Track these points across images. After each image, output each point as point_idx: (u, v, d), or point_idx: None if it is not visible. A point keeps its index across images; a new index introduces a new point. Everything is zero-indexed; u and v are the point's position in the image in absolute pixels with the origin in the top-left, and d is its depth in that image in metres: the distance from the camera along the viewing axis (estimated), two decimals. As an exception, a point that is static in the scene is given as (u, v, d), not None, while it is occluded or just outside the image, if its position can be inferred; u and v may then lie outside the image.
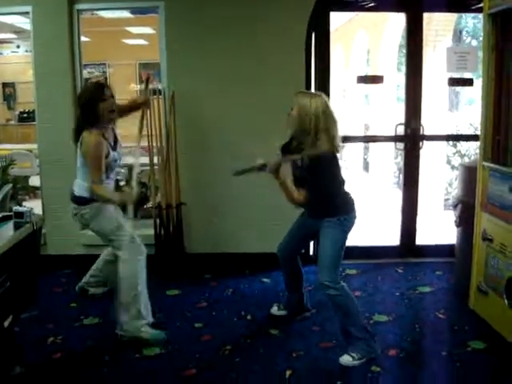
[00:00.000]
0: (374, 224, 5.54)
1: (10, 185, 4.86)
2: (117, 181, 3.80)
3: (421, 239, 4.76)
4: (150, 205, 4.64)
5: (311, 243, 4.22)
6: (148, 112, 4.05)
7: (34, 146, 5.33)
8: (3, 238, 2.53)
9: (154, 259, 4.24)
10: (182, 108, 4.35)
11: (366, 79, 5.24)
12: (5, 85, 9.93)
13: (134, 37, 8.54)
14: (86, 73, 6.60)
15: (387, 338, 3.25)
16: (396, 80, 8.22)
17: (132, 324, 3.25)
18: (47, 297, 3.87)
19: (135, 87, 8.67)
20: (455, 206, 3.90)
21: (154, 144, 4.31)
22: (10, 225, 2.70)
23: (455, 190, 5.02)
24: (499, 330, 3.14)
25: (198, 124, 4.47)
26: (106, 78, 8.87)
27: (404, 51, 4.74)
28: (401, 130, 4.56)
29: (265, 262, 4.33)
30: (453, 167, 7.03)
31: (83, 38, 4.63)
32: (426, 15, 4.62)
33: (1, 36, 8.80)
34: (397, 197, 5.36)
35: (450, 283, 4.12)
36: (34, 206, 3.33)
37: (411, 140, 4.56)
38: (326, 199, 3.05)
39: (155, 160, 4.37)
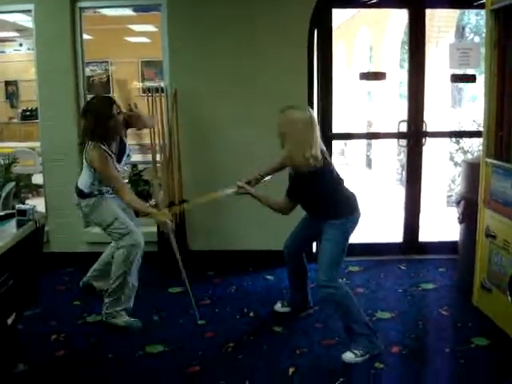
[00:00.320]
0: (376, 221, 5.52)
1: (13, 183, 4.82)
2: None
3: (424, 236, 4.75)
4: (152, 202, 4.63)
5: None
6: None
7: (37, 144, 5.35)
8: (6, 235, 2.54)
9: (156, 256, 4.27)
10: (185, 106, 4.35)
11: (368, 76, 5.21)
12: (7, 83, 9.90)
13: (137, 35, 8.51)
14: (88, 71, 6.62)
15: (390, 335, 3.25)
16: (399, 77, 8.19)
17: (111, 307, 3.38)
18: (50, 294, 3.88)
19: (137, 85, 8.65)
20: (458, 203, 3.90)
21: (157, 141, 4.31)
22: (13, 223, 2.71)
23: (458, 187, 5.01)
24: (503, 326, 3.13)
25: (200, 121, 4.46)
26: (108, 76, 8.88)
27: (406, 48, 4.73)
28: (403, 127, 4.54)
29: (268, 259, 4.35)
30: (456, 164, 7.00)
31: (85, 36, 4.64)
32: (428, 11, 4.60)
33: (3, 34, 8.78)
34: (400, 193, 5.34)
35: (453, 280, 4.12)
36: (37, 203, 3.34)
37: (414, 137, 4.55)
38: (325, 206, 3.09)
39: (157, 157, 4.37)
